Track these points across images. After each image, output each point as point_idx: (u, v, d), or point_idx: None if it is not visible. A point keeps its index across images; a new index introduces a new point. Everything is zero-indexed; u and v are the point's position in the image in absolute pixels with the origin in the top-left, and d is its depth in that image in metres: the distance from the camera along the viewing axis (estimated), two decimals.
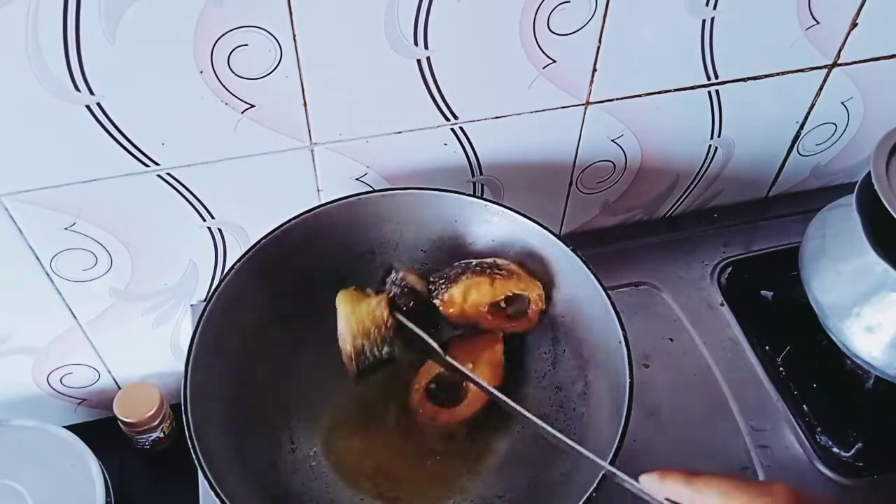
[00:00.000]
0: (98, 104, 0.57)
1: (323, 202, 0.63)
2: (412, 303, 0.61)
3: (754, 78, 0.73)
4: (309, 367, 0.65)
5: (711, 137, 0.79)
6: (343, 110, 0.64)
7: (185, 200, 0.66)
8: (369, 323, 0.59)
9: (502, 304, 0.64)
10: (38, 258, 0.66)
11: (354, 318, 0.59)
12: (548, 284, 0.65)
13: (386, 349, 0.59)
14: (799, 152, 0.85)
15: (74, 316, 0.73)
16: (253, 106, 0.61)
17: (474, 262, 0.63)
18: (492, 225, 0.65)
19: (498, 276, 0.63)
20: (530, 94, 0.67)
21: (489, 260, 0.64)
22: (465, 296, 0.63)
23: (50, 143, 0.58)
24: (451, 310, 0.62)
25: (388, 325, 0.59)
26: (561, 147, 0.74)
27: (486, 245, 0.67)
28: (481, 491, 0.62)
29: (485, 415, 0.64)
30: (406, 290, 0.61)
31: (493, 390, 0.57)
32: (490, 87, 0.66)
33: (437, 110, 0.66)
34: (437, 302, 0.62)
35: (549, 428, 0.53)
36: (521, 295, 0.64)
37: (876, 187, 0.61)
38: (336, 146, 0.67)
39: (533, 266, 0.65)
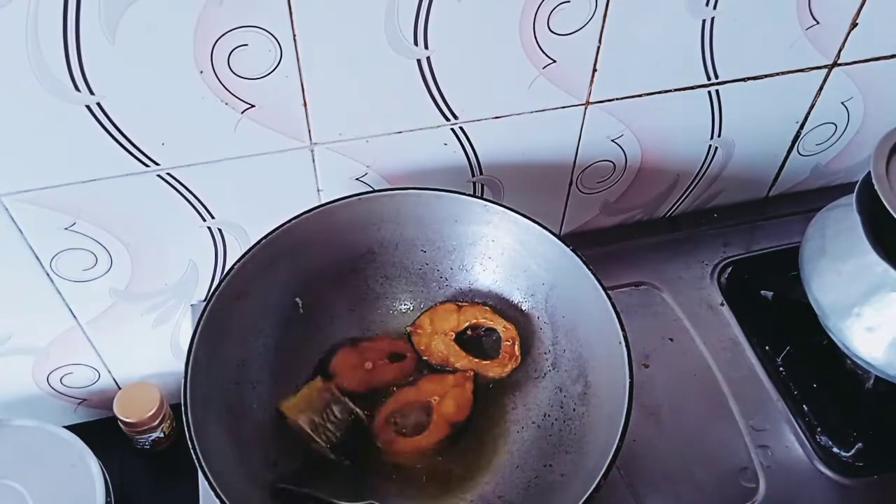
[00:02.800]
0: (98, 104, 0.57)
1: (323, 202, 0.63)
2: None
3: (754, 78, 0.73)
4: (309, 367, 0.65)
5: (711, 137, 0.79)
6: (343, 110, 0.64)
7: (185, 200, 0.66)
8: (317, 403, 0.61)
9: (468, 333, 0.67)
10: (38, 258, 0.66)
11: (302, 411, 0.61)
12: (527, 335, 0.67)
13: (343, 415, 0.61)
14: (799, 152, 0.85)
15: (74, 316, 0.73)
16: (253, 106, 0.61)
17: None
18: (492, 225, 0.65)
19: (465, 305, 0.67)
20: (530, 94, 0.67)
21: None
22: (432, 321, 0.67)
23: (50, 143, 0.58)
24: (421, 337, 0.66)
25: (332, 393, 0.62)
26: (561, 147, 0.74)
27: (486, 245, 0.67)
28: (481, 491, 0.62)
29: (482, 417, 0.65)
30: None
31: None
32: (490, 87, 0.66)
33: (437, 110, 0.66)
34: (408, 329, 0.67)
35: None
36: (492, 330, 0.67)
37: (876, 187, 0.61)
38: (336, 146, 0.67)
39: (511, 314, 0.67)
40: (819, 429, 0.69)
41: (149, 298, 0.74)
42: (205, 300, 0.64)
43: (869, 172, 0.63)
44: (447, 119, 0.67)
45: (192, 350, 0.56)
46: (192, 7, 0.53)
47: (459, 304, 0.68)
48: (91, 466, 0.71)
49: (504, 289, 0.68)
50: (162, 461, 0.82)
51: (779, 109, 0.78)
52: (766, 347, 0.75)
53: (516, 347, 0.66)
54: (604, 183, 0.80)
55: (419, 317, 0.68)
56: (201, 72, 0.57)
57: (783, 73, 0.74)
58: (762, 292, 0.79)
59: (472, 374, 0.65)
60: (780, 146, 0.84)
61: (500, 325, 0.66)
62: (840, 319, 0.66)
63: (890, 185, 0.62)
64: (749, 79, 0.73)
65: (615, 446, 0.52)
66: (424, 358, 0.66)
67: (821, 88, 0.77)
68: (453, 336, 0.66)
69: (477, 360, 0.66)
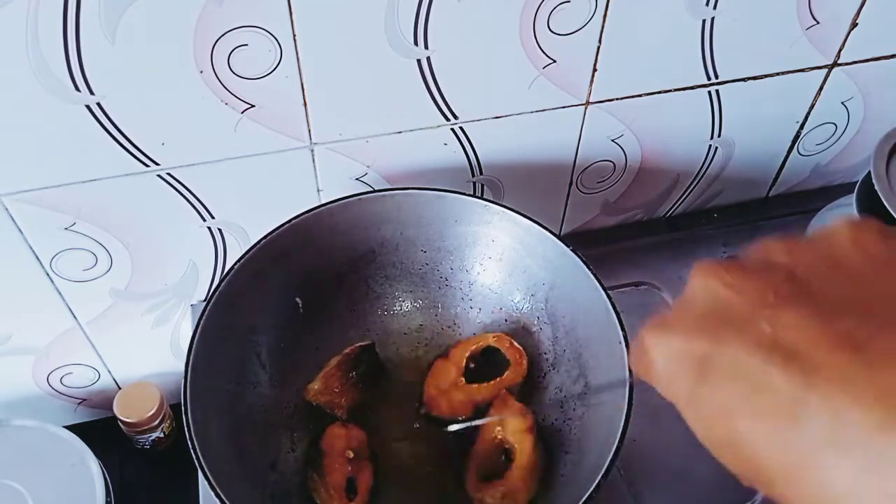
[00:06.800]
0: (98, 104, 0.57)
1: (323, 202, 0.63)
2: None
3: (754, 78, 0.73)
4: (309, 367, 0.65)
5: (711, 137, 0.79)
6: (343, 110, 0.64)
7: (185, 200, 0.66)
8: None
9: (471, 366, 0.65)
10: (38, 258, 0.66)
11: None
12: (526, 335, 0.66)
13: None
14: (799, 152, 0.85)
15: (74, 316, 0.73)
16: (253, 106, 0.61)
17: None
18: (492, 225, 0.65)
19: (450, 349, 0.66)
20: (530, 94, 0.67)
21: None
22: (436, 385, 0.64)
23: (50, 143, 0.58)
24: (439, 407, 0.63)
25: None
26: (561, 147, 0.74)
27: (486, 245, 0.67)
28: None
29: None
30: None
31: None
32: (490, 87, 0.66)
33: (437, 110, 0.66)
34: (423, 412, 0.64)
35: None
36: (489, 348, 0.66)
37: (876, 187, 0.61)
38: (336, 146, 0.67)
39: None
40: None
41: (149, 298, 0.74)
42: (205, 300, 0.64)
43: (869, 172, 0.63)
44: (447, 119, 0.67)
45: (192, 350, 0.56)
46: (192, 7, 0.53)
47: (444, 355, 0.66)
48: (91, 466, 0.71)
49: (504, 289, 0.68)
50: (162, 461, 0.82)
51: (779, 109, 0.78)
52: None
53: (516, 345, 0.65)
54: (604, 183, 0.80)
55: (422, 394, 0.64)
56: (201, 72, 0.57)
57: (783, 73, 0.74)
58: None
59: (504, 391, 0.63)
60: (780, 146, 0.84)
61: (490, 340, 0.66)
62: None
63: (890, 185, 0.62)
64: (749, 79, 0.73)
65: (615, 446, 0.52)
66: (460, 419, 0.62)
67: (821, 88, 0.77)
68: (463, 381, 0.64)
69: (496, 380, 0.64)
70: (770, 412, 0.26)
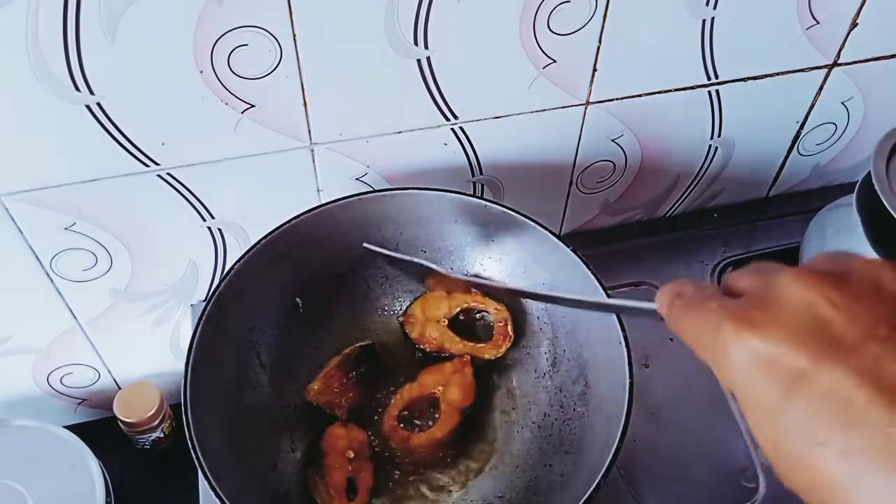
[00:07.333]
0: (98, 104, 0.57)
1: (323, 202, 0.63)
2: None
3: (754, 78, 0.73)
4: (309, 367, 0.65)
5: (711, 137, 0.79)
6: (343, 110, 0.64)
7: (185, 200, 0.66)
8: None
9: (461, 318, 0.67)
10: (38, 258, 0.66)
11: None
12: (526, 334, 0.67)
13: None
14: (799, 152, 0.85)
15: (74, 316, 0.73)
16: (253, 106, 0.61)
17: None
18: (492, 225, 0.65)
19: (453, 292, 0.67)
20: (530, 94, 0.67)
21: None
22: (423, 309, 0.67)
23: (50, 143, 0.58)
24: (414, 326, 0.66)
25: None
26: (561, 147, 0.74)
27: (486, 245, 0.67)
28: (481, 491, 0.62)
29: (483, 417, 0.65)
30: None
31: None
32: (490, 87, 0.66)
33: (437, 110, 0.66)
34: (401, 319, 0.68)
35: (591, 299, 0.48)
36: (484, 312, 0.67)
37: (876, 187, 0.61)
38: (336, 146, 0.67)
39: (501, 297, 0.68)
40: None
41: (149, 298, 0.74)
42: (205, 300, 0.64)
43: (869, 172, 0.63)
44: (447, 119, 0.67)
45: (192, 350, 0.56)
46: (192, 7, 0.53)
47: (448, 292, 0.68)
48: (91, 466, 0.71)
49: None
50: (162, 461, 0.82)
51: (779, 109, 0.78)
52: None
53: (509, 327, 0.66)
54: (604, 183, 0.80)
55: (410, 305, 0.68)
56: (201, 72, 0.57)
57: (783, 73, 0.74)
58: None
59: (468, 358, 0.65)
60: (780, 146, 0.84)
61: (492, 307, 0.66)
62: None
63: (890, 185, 0.62)
64: (749, 79, 0.73)
65: (615, 446, 0.52)
66: (420, 346, 0.66)
67: (821, 88, 0.77)
68: (446, 322, 0.66)
69: (471, 343, 0.66)
70: (865, 451, 0.25)
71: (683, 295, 0.33)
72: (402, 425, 0.63)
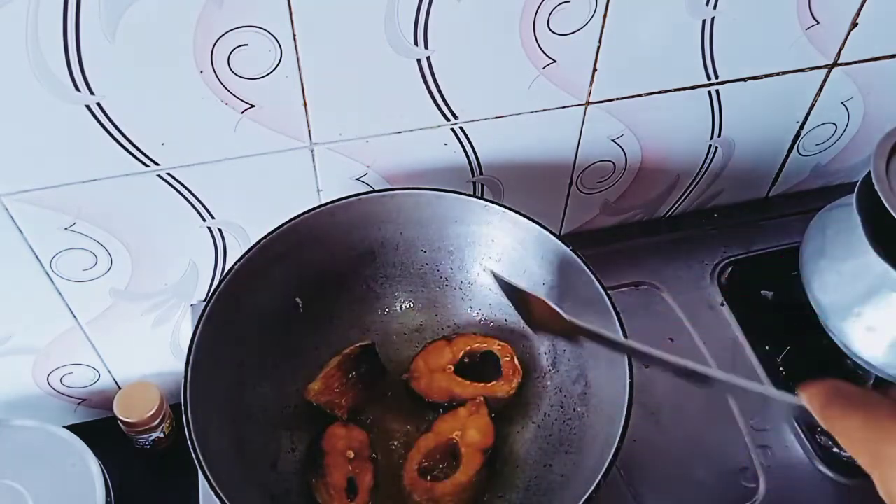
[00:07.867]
0: (98, 104, 0.57)
1: (323, 202, 0.63)
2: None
3: (754, 78, 0.73)
4: (309, 367, 0.65)
5: (711, 137, 0.79)
6: (343, 110, 0.64)
7: (185, 200, 0.66)
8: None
9: (465, 360, 0.66)
10: (38, 258, 0.66)
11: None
12: (525, 336, 0.66)
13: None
14: (799, 152, 0.85)
15: (74, 316, 0.73)
16: (253, 106, 0.61)
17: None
18: (492, 225, 0.65)
19: (454, 337, 0.67)
20: (530, 94, 0.67)
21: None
22: (426, 361, 0.65)
23: (50, 143, 0.58)
24: (419, 382, 0.64)
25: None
26: (561, 147, 0.74)
27: (486, 245, 0.67)
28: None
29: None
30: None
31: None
32: (490, 87, 0.66)
33: (437, 110, 0.66)
34: (405, 377, 0.65)
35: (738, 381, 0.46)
36: (489, 353, 0.66)
37: (876, 187, 0.61)
38: (336, 146, 0.67)
39: (504, 335, 0.68)
40: (819, 429, 0.69)
41: (149, 298, 0.74)
42: (205, 300, 0.64)
43: (869, 172, 0.63)
44: (447, 119, 0.67)
45: (192, 350, 0.56)
46: (192, 7, 0.53)
47: (448, 337, 0.67)
48: (91, 466, 0.71)
49: None
50: (162, 461, 0.82)
51: (779, 109, 0.78)
52: (766, 347, 0.75)
53: (516, 361, 0.65)
54: (604, 183, 0.80)
55: (412, 362, 0.66)
56: (201, 72, 0.57)
57: (783, 73, 0.74)
58: (762, 292, 0.79)
59: (482, 399, 0.63)
60: (780, 146, 0.84)
61: (494, 345, 0.66)
62: (840, 319, 0.66)
63: (890, 185, 0.62)
64: (749, 79, 0.73)
65: (615, 446, 0.52)
66: (429, 400, 0.64)
67: (821, 88, 0.77)
68: (452, 370, 0.65)
69: (482, 384, 0.64)
70: None
71: (846, 394, 0.33)
72: (425, 477, 0.60)
